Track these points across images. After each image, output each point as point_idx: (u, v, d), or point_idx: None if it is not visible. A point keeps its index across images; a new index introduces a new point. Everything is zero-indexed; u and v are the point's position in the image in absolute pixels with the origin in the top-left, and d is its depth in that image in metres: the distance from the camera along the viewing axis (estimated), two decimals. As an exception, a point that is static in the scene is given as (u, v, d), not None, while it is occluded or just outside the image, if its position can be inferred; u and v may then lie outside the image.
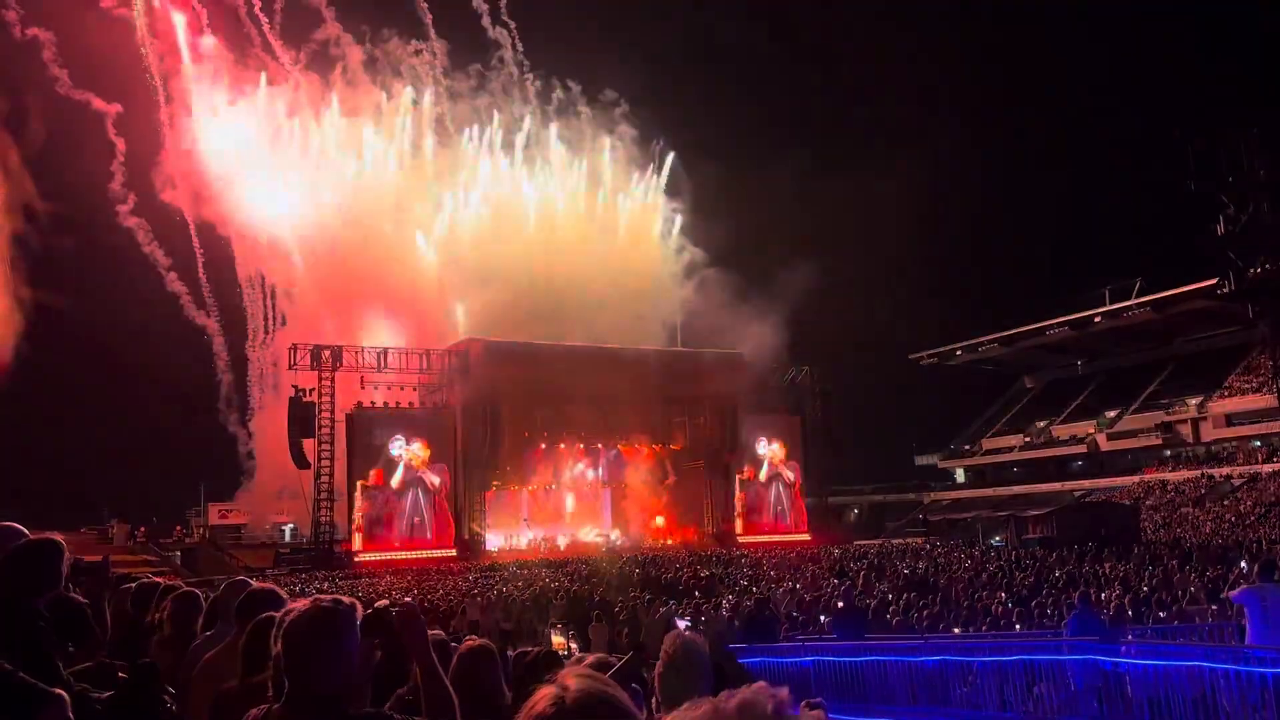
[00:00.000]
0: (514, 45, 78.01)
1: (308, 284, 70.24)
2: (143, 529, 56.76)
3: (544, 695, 1.60)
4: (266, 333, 71.39)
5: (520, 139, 77.86)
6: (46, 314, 54.63)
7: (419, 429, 56.89)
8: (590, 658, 4.35)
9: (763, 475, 65.68)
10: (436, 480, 56.98)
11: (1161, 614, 15.30)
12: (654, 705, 3.44)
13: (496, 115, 76.87)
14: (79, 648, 4.09)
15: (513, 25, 77.61)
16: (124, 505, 59.45)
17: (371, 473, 55.23)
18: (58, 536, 3.83)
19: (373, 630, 2.83)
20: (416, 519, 55.96)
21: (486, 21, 76.46)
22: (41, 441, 67.36)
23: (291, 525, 62.23)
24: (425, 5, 74.21)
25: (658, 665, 3.42)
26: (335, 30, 71.65)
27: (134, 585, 6.13)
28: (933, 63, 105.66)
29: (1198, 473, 63.16)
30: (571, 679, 1.62)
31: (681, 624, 17.18)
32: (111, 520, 56.10)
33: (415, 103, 74.53)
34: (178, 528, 60.85)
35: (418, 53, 74.90)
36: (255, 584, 4.34)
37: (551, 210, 77.13)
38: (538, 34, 79.11)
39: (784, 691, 1.45)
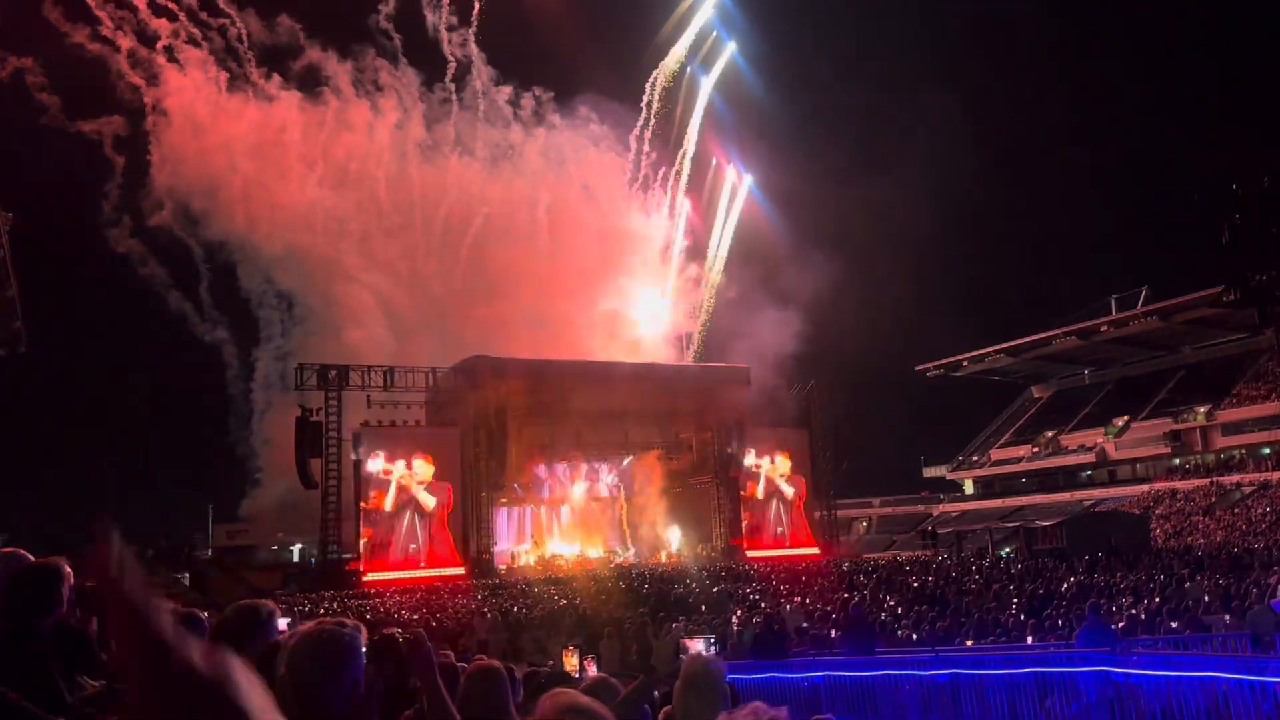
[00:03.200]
0: (471, 46, 76.65)
1: (310, 299, 70.66)
2: (150, 551, 56.70)
3: None
4: (283, 337, 71.52)
5: (502, 150, 77.80)
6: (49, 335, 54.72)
7: (424, 446, 56.61)
8: (590, 678, 4.33)
9: (760, 492, 65.29)
10: (430, 502, 55.94)
11: (1174, 624, 15.20)
12: (661, 721, 3.44)
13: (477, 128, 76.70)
14: (83, 673, 4.08)
15: (470, 32, 76.24)
16: (131, 527, 59.43)
17: (373, 494, 54.78)
18: (59, 560, 3.83)
19: (380, 656, 2.82)
20: (412, 545, 54.84)
21: (447, 41, 75.54)
22: (45, 461, 67.46)
23: (299, 545, 62.12)
24: (390, 25, 73.94)
25: (677, 684, 3.42)
26: (316, 54, 71.72)
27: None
28: (941, 74, 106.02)
29: (1207, 481, 62.88)
30: (549, 706, 1.60)
31: (698, 644, 17.08)
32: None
33: (399, 126, 74.71)
34: (184, 549, 60.81)
35: (391, 72, 74.74)
36: (239, 603, 4.29)
37: (550, 223, 77.11)
38: (510, 44, 77.95)
39: (783, 712, 1.44)
